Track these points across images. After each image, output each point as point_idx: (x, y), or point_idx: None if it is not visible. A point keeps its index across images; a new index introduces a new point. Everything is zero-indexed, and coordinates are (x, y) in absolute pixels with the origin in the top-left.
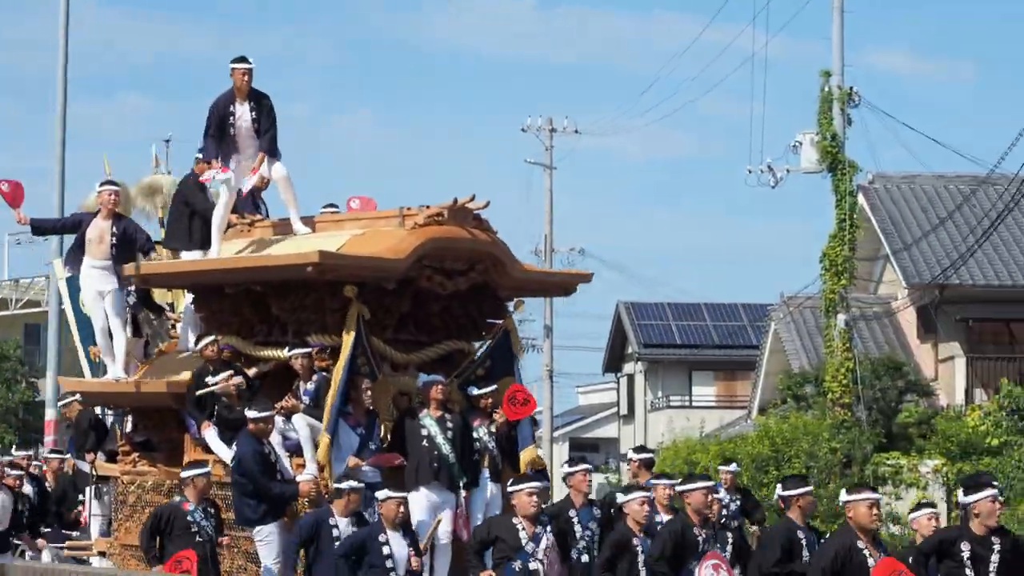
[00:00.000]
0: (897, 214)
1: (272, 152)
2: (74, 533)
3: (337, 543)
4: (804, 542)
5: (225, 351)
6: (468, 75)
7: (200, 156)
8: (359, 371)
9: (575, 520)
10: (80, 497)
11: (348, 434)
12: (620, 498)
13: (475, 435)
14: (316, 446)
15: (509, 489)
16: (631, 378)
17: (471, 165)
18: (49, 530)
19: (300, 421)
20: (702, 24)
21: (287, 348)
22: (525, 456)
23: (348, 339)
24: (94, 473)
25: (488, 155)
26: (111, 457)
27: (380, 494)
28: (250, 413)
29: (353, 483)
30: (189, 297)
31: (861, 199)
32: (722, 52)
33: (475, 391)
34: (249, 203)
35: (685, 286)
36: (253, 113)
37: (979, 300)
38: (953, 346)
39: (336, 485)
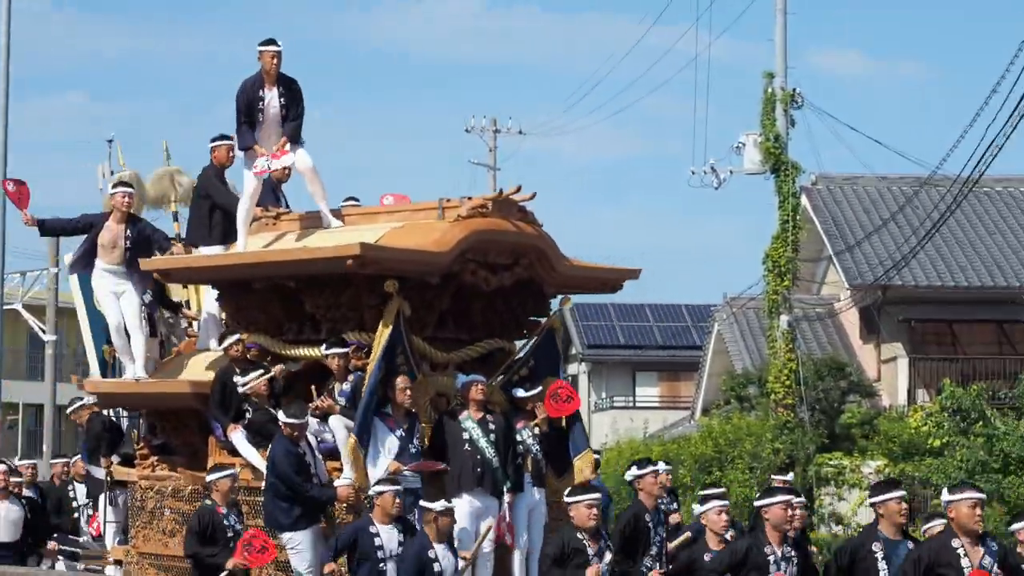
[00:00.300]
0: (840, 215)
1: (297, 140)
2: (81, 539)
3: (379, 551)
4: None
5: (252, 350)
6: (412, 76)
7: (215, 144)
8: (398, 370)
9: (651, 524)
10: (75, 504)
11: (388, 436)
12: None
13: (518, 437)
14: None
15: (567, 500)
16: (575, 379)
17: (415, 166)
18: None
19: (337, 423)
20: (646, 25)
21: (323, 346)
22: (581, 463)
23: (383, 334)
24: (108, 479)
25: (432, 156)
26: (126, 461)
27: (437, 505)
28: (283, 418)
29: (384, 487)
30: (210, 293)
31: (804, 200)
32: (665, 54)
33: (521, 393)
34: (270, 195)
35: (629, 287)
36: (282, 99)
37: (921, 301)
38: (896, 347)
39: (374, 489)
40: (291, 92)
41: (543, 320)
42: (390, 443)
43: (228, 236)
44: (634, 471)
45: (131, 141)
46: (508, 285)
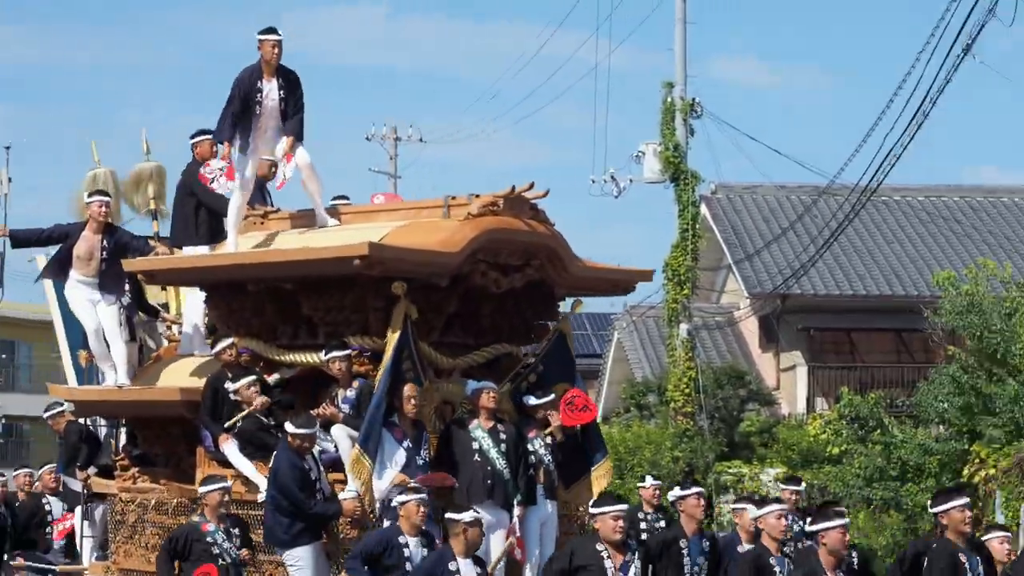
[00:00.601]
0: (739, 224)
1: (300, 136)
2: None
3: (408, 563)
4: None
5: (243, 355)
6: (313, 83)
7: (197, 140)
8: (404, 377)
9: (685, 551)
10: (48, 517)
11: (394, 447)
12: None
13: (530, 447)
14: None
15: (592, 510)
16: None
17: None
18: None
19: (340, 432)
20: (548, 33)
21: (324, 351)
22: (599, 472)
23: (392, 339)
24: (85, 492)
25: (333, 164)
26: (105, 473)
27: (465, 516)
28: (290, 428)
29: (408, 496)
30: (194, 296)
31: (703, 209)
32: (566, 62)
33: (533, 401)
34: (257, 194)
35: None
36: (282, 92)
37: (820, 310)
38: (794, 355)
39: (398, 499)
40: (290, 84)
41: (551, 324)
42: (397, 455)
43: (215, 236)
44: (677, 492)
45: (29, 148)
46: (519, 287)
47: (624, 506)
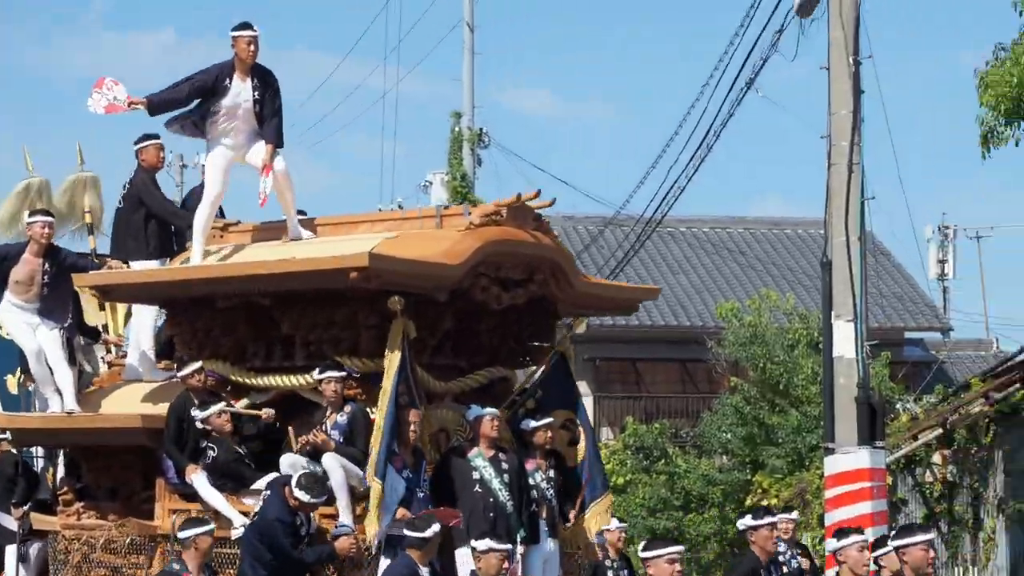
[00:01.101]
0: None
1: (279, 142)
2: None
3: None
4: None
5: (209, 379)
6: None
7: (143, 145)
8: (400, 402)
9: None
10: None
11: (394, 478)
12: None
13: (531, 481)
14: (352, 492)
15: (643, 555)
16: None
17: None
18: None
19: (332, 462)
20: (346, 60)
21: (318, 370)
22: (600, 507)
23: (393, 361)
24: (21, 531)
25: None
26: (42, 508)
27: (480, 545)
28: (299, 494)
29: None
30: (142, 316)
31: None
32: (355, 89)
33: (532, 424)
34: (193, 204)
35: None
36: (256, 93)
37: (606, 340)
38: (580, 385)
39: (420, 535)
40: (266, 85)
41: (545, 345)
42: (398, 485)
43: (165, 249)
44: (748, 521)
45: None
46: (520, 304)
47: (680, 548)
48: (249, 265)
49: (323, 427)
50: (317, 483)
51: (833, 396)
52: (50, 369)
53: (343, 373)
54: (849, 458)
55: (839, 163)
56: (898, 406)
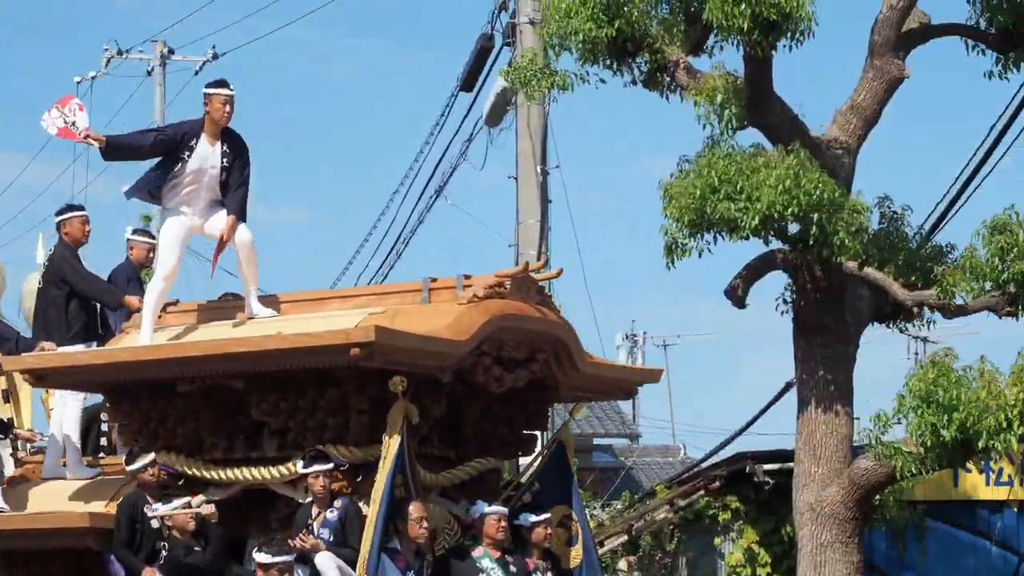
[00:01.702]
0: None
1: (242, 215)
2: None
3: None
4: None
5: (162, 472)
6: None
7: (66, 218)
8: (394, 494)
9: None
10: None
11: None
12: None
13: None
14: None
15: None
16: None
17: None
18: None
19: (328, 563)
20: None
21: (303, 463)
22: None
23: (392, 447)
24: None
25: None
26: None
27: None
28: (262, 557)
29: None
30: (64, 408)
31: None
32: (43, 191)
33: (532, 518)
34: (134, 285)
35: None
36: (225, 160)
37: None
38: None
39: None
40: (237, 152)
41: (534, 434)
42: None
43: (90, 332)
44: None
45: None
46: (520, 387)
47: None
48: (224, 343)
49: (310, 528)
50: (279, 543)
51: None
52: None
53: (330, 465)
54: None
55: None
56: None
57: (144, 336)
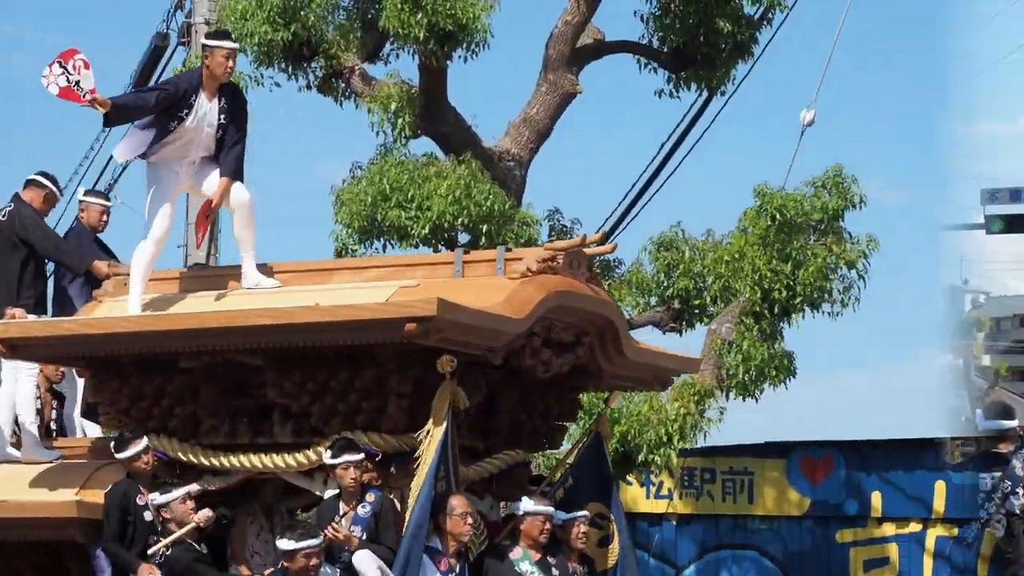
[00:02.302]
0: None
1: (238, 175)
2: None
3: None
4: None
5: (156, 459)
6: None
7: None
8: (437, 487)
9: None
10: None
11: None
12: None
13: None
14: None
15: None
16: None
17: None
18: None
19: (368, 561)
20: None
21: (331, 453)
22: None
23: (436, 435)
24: None
25: None
26: None
27: None
28: (287, 544)
29: None
30: (25, 382)
31: None
32: None
33: (563, 516)
34: (96, 247)
35: None
36: (223, 116)
37: None
38: None
39: None
40: (235, 108)
41: (567, 425)
42: None
43: (39, 305)
44: None
45: None
46: (564, 373)
47: None
48: (246, 314)
49: (338, 522)
50: (305, 526)
51: None
52: None
53: (362, 455)
54: None
55: None
56: None
57: (133, 306)
